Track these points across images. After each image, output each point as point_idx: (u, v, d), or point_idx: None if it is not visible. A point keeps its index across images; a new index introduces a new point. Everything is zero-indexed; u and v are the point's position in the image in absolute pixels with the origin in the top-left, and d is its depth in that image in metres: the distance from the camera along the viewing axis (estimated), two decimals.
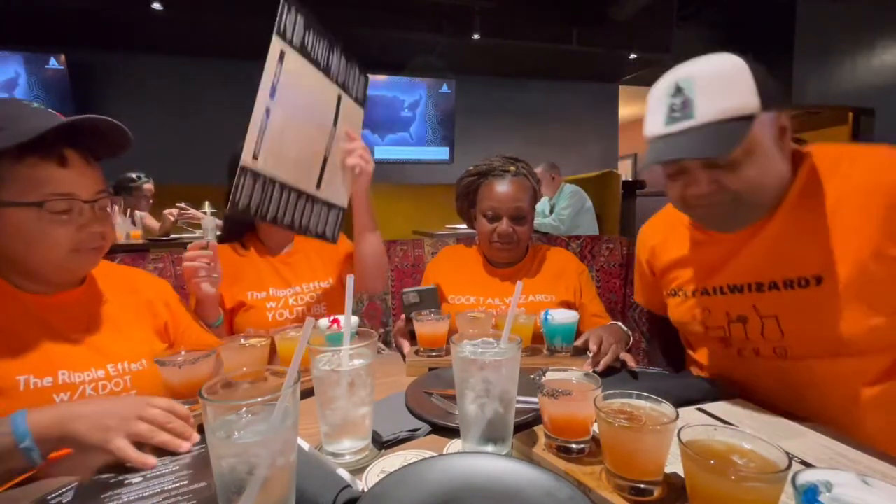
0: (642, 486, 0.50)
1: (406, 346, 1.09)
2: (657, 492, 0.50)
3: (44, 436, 0.59)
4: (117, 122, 0.74)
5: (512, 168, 1.28)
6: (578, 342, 0.99)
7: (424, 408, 0.76)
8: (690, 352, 1.02)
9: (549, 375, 0.64)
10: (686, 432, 0.46)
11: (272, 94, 0.82)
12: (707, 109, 0.75)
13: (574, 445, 0.58)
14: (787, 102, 0.86)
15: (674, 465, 0.51)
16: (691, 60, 0.78)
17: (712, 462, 0.42)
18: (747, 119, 0.73)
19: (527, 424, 0.68)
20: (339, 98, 1.00)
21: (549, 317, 1.00)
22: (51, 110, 0.75)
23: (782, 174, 0.80)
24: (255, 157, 0.81)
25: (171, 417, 0.63)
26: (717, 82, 0.75)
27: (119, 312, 0.87)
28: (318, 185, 0.97)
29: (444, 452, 0.64)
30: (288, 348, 0.87)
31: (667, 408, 0.52)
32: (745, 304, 0.86)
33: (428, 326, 1.02)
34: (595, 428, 0.57)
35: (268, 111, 0.82)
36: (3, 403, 0.68)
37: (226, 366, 0.83)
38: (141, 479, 0.56)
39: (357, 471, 0.59)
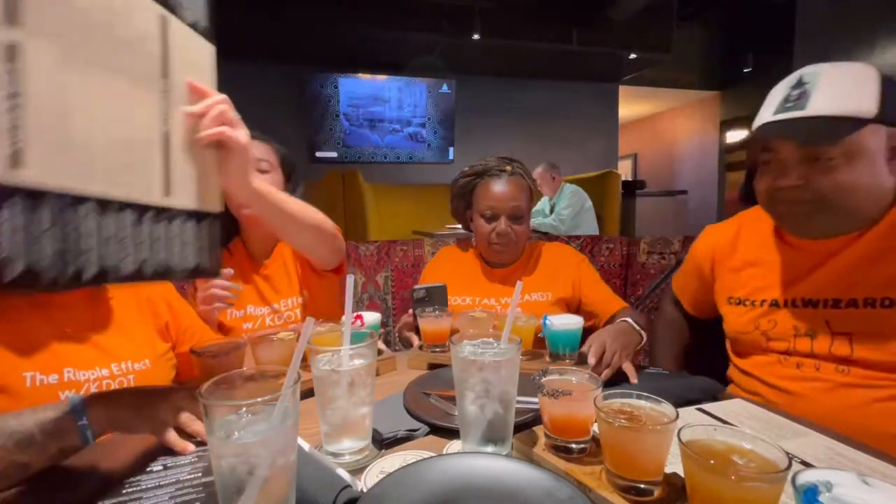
0: (642, 486, 0.50)
1: (416, 339, 1.11)
2: (657, 492, 0.50)
3: (96, 417, 0.61)
4: None
5: (508, 168, 1.28)
6: (584, 348, 0.93)
7: (423, 409, 0.76)
8: (737, 359, 0.98)
9: (549, 376, 0.63)
10: (686, 432, 0.46)
11: (10, 15, 0.37)
12: (820, 104, 0.75)
13: (574, 445, 0.58)
14: None
15: (674, 465, 0.51)
16: (827, 63, 0.78)
17: (712, 462, 0.42)
18: (857, 122, 0.72)
19: (526, 424, 0.68)
20: (164, 23, 0.54)
21: (548, 322, 0.96)
22: None
23: (882, 192, 0.78)
24: (14, 161, 0.37)
25: None
26: (840, 81, 0.76)
27: (122, 312, 0.88)
28: (168, 190, 0.55)
29: (444, 453, 0.64)
30: (315, 342, 0.85)
31: (667, 408, 0.52)
32: (818, 320, 0.84)
33: (431, 323, 1.03)
34: (595, 428, 0.57)
35: (12, 52, 0.37)
36: (9, 400, 0.69)
37: (257, 360, 0.84)
38: (161, 467, 0.59)
39: (357, 471, 0.59)
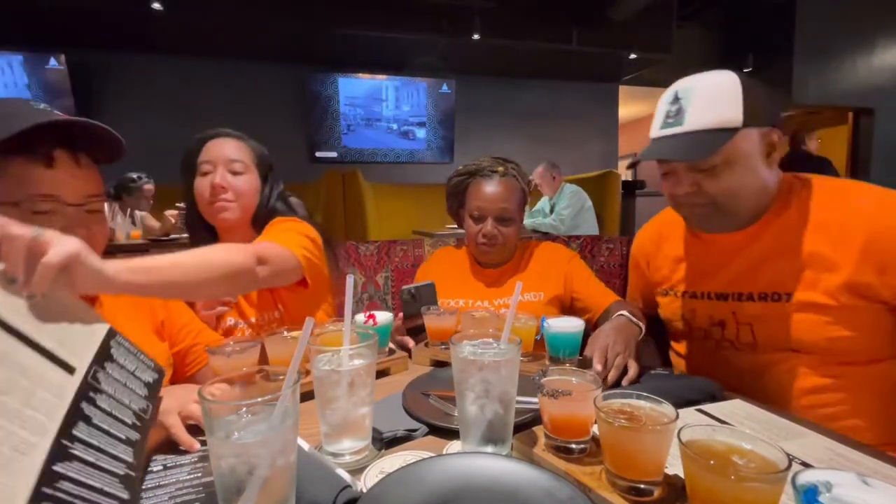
0: (642, 486, 0.50)
1: (411, 342, 1.09)
2: (657, 492, 0.50)
3: None
4: (105, 126, 0.72)
5: (500, 168, 1.27)
6: (586, 352, 0.92)
7: (422, 409, 0.76)
8: (673, 342, 1.11)
9: (549, 376, 0.63)
10: (686, 432, 0.46)
11: None
12: (694, 119, 0.84)
13: (574, 445, 0.58)
14: (780, 122, 0.90)
15: (674, 466, 0.51)
16: (698, 74, 0.87)
17: (712, 462, 0.42)
18: (729, 132, 0.81)
19: (526, 425, 0.68)
20: None
21: (547, 325, 0.93)
22: (55, 111, 0.74)
23: (764, 187, 0.88)
24: None
25: None
26: (708, 96, 0.84)
27: (115, 312, 0.85)
28: (69, 368, 0.48)
29: (444, 453, 0.64)
30: (327, 341, 0.85)
31: (667, 408, 0.52)
32: (726, 311, 0.95)
33: (436, 320, 1.03)
34: (595, 428, 0.57)
35: None
36: None
37: (270, 356, 0.84)
38: (161, 468, 0.59)
39: (356, 471, 0.59)
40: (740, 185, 0.85)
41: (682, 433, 0.46)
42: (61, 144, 0.72)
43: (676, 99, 0.87)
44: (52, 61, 4.20)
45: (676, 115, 0.86)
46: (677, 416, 0.49)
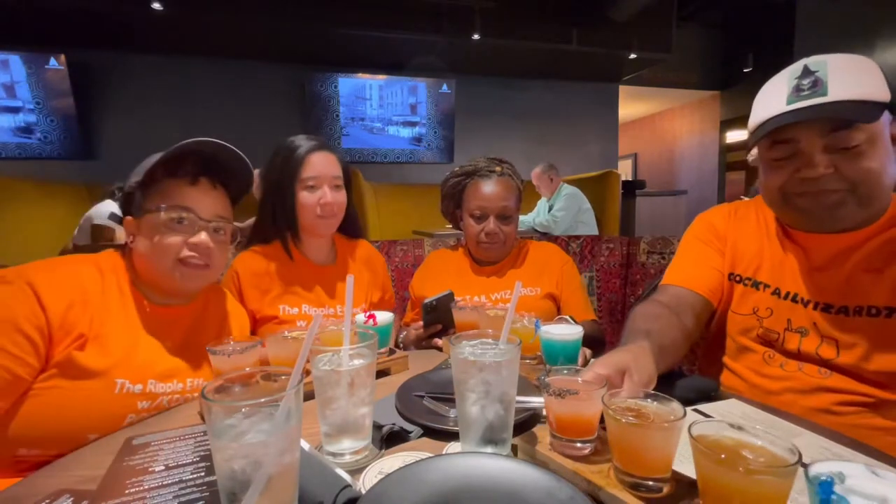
0: (651, 482, 0.49)
1: (440, 341, 1.14)
2: (666, 488, 0.50)
3: None
4: (236, 150, 0.87)
5: (497, 168, 1.31)
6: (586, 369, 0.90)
7: (417, 412, 0.74)
8: (726, 359, 0.97)
9: (553, 375, 0.63)
10: (696, 428, 0.46)
11: None
12: (842, 88, 0.74)
13: (580, 444, 0.58)
14: None
15: (681, 464, 0.51)
16: (822, 55, 0.78)
17: (723, 456, 0.42)
18: (879, 106, 0.73)
19: (522, 424, 0.67)
20: None
21: (544, 331, 0.87)
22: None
23: (893, 178, 0.78)
24: None
25: None
26: (853, 68, 0.75)
27: (217, 334, 0.95)
28: None
29: (444, 453, 0.64)
30: (328, 341, 0.82)
31: (674, 405, 0.52)
32: (807, 319, 0.84)
33: (460, 314, 1.07)
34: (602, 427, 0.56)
35: None
36: (97, 403, 0.74)
37: (270, 357, 0.84)
38: (163, 468, 0.58)
39: (356, 471, 0.59)
40: (881, 168, 0.75)
41: (692, 429, 0.46)
42: (204, 172, 0.88)
43: (809, 72, 0.77)
44: (53, 61, 4.20)
45: (813, 87, 0.76)
46: (685, 414, 0.49)
